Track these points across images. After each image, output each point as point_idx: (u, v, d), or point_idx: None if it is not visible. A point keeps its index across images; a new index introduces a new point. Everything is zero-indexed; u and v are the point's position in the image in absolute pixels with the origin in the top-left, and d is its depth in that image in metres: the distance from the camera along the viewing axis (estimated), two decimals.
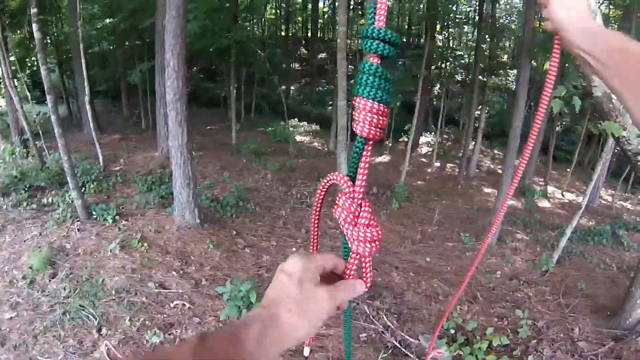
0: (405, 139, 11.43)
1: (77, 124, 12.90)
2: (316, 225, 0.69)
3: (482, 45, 12.98)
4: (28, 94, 10.88)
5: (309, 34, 24.70)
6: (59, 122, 5.60)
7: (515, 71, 16.38)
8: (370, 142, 0.59)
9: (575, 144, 13.02)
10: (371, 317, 4.32)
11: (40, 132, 8.47)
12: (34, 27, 5.72)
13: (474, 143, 12.83)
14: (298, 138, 14.94)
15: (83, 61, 8.51)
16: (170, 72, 5.54)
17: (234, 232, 6.09)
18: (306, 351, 0.78)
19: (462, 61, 18.03)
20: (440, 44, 18.62)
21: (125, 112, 15.62)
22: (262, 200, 7.82)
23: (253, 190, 8.29)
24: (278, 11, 23.55)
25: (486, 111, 13.75)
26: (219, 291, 4.19)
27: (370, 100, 0.56)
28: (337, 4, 8.00)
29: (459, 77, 18.86)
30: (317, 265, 0.56)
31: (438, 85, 18.11)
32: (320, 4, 21.67)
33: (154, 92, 10.20)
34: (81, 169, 7.67)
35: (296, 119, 17.21)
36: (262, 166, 9.92)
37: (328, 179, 0.62)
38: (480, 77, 12.71)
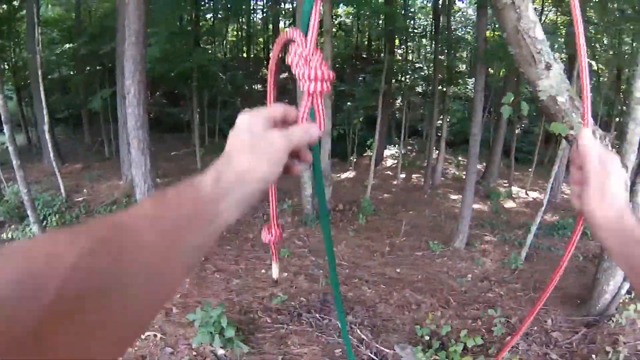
0: (369, 153, 11.59)
1: (36, 153, 12.48)
2: (272, 82, 0.70)
3: (440, 57, 13.43)
4: None
5: (270, 55, 24.79)
6: (16, 152, 5.43)
7: (473, 79, 17.02)
8: (320, 2, 0.60)
9: (534, 144, 13.55)
10: None
11: None
12: None
13: (437, 152, 13.16)
14: None
15: (42, 88, 8.27)
16: (131, 99, 5.50)
17: (203, 258, 6.01)
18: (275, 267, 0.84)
19: (422, 73, 18.56)
20: (400, 58, 19.13)
21: (88, 140, 15.21)
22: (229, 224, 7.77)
23: None
24: (239, 33, 23.68)
25: (448, 120, 14.15)
26: (189, 319, 4.11)
27: None
28: (296, 23, 8.19)
29: (419, 89, 19.36)
30: (266, 116, 0.56)
31: (399, 98, 18.56)
32: (281, 24, 21.91)
33: (117, 119, 10.02)
34: (42, 201, 7.41)
35: None
36: (232, 225, 9.84)
37: (281, 37, 0.63)
38: (440, 87, 13.10)
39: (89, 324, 0.33)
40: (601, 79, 13.71)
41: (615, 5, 8.88)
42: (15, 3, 12.97)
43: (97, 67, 14.40)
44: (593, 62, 12.55)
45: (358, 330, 4.36)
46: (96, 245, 0.35)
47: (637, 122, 2.63)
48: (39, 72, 8.45)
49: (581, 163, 0.68)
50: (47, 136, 8.61)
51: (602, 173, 0.65)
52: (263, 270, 5.84)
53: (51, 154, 8.56)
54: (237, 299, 4.93)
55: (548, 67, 1.96)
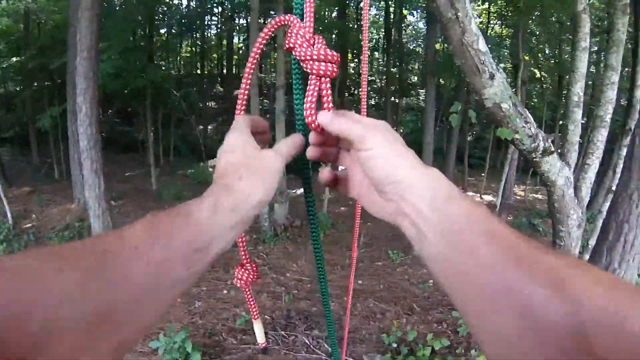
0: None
1: None
2: (248, 83, 0.64)
3: (392, 70, 13.87)
4: None
5: (225, 71, 24.72)
6: None
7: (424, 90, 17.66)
8: None
9: (486, 150, 14.17)
10: (312, 347, 4.32)
11: None
12: None
13: None
14: None
15: None
16: (83, 117, 5.31)
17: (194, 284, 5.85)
18: (257, 326, 0.76)
19: (375, 86, 19.05)
20: (353, 72, 19.60)
21: (36, 161, 14.36)
22: None
23: None
24: (193, 48, 23.45)
25: (401, 130, 14.55)
26: (152, 346, 3.96)
27: None
28: (250, 39, 8.23)
29: (372, 101, 19.84)
30: (249, 133, 0.56)
31: (353, 111, 18.92)
32: (235, 40, 21.89)
33: (67, 138, 9.56)
34: None
35: (216, 159, 16.89)
36: (226, 252, 9.64)
37: (276, 20, 0.60)
38: (392, 99, 13.50)
39: (72, 353, 0.33)
40: (544, 85, 14.60)
41: (554, 18, 9.53)
42: None
43: (47, 83, 13.64)
44: (536, 70, 13.38)
45: (325, 344, 4.36)
46: (84, 276, 0.35)
47: (576, 123, 2.83)
48: None
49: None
50: None
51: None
52: (225, 291, 5.74)
53: None
54: (201, 321, 4.80)
55: (492, 76, 2.10)
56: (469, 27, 1.93)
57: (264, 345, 0.78)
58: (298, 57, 0.56)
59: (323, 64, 0.56)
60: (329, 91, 0.57)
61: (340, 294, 5.81)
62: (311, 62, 0.56)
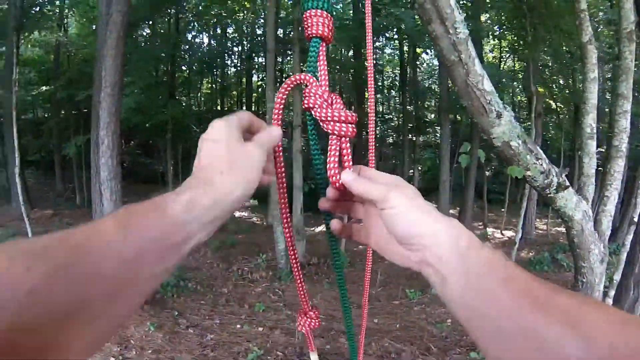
0: None
1: (5, 196, 11.86)
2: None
3: (408, 107, 13.97)
4: None
5: (244, 108, 25.27)
6: None
7: None
8: (324, 44, 0.61)
9: (505, 184, 13.93)
10: None
11: None
12: None
13: None
14: (237, 214, 14.81)
15: (14, 128, 8.00)
16: (105, 150, 5.49)
17: (176, 313, 5.84)
18: (313, 357, 0.75)
19: (392, 124, 19.13)
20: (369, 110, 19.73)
21: (59, 186, 14.74)
22: (203, 278, 7.67)
23: (194, 269, 8.14)
24: (214, 85, 24.17)
25: (419, 168, 14.47)
26: None
27: (320, 10, 0.60)
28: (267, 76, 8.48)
29: (390, 140, 19.87)
30: (238, 125, 0.54)
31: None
32: (255, 78, 22.52)
33: (90, 167, 9.78)
34: None
35: None
36: (202, 245, 9.72)
37: (292, 79, 0.61)
38: (409, 136, 13.52)
39: (42, 350, 0.33)
40: (561, 116, 14.45)
41: (566, 48, 9.56)
42: None
43: (73, 112, 14.25)
44: (551, 102, 13.33)
45: None
46: (53, 271, 0.34)
47: (590, 155, 2.75)
48: (14, 112, 8.24)
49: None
50: (18, 179, 8.24)
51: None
52: (238, 326, 5.68)
53: (20, 198, 8.17)
54: (212, 354, 4.74)
55: (499, 115, 2.11)
56: (472, 69, 1.95)
57: None
58: (318, 118, 0.58)
59: (344, 125, 0.58)
60: (349, 150, 0.60)
61: (355, 333, 5.67)
62: (332, 123, 0.58)
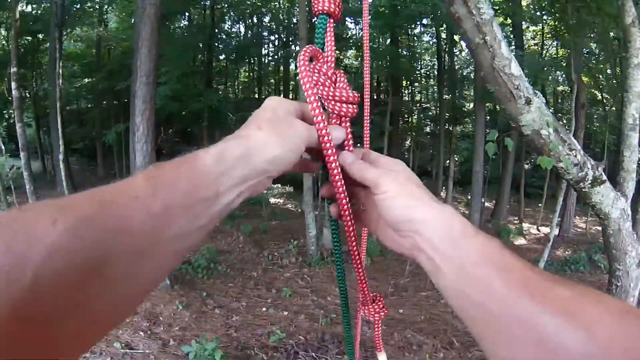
0: None
1: (50, 181, 12.69)
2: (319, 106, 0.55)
3: (445, 96, 13.60)
4: (2, 146, 10.55)
5: (282, 95, 25.32)
6: (31, 178, 5.60)
7: None
8: (332, 21, 0.59)
9: (544, 179, 13.38)
10: None
11: (12, 187, 8.23)
12: (13, 85, 5.88)
13: (446, 191, 13.08)
14: (272, 200, 14.96)
15: (59, 118, 8.49)
16: (140, 136, 5.67)
17: (205, 294, 6.03)
18: (381, 358, 0.73)
19: (429, 113, 18.73)
20: (407, 99, 19.38)
21: (101, 172, 15.51)
22: (234, 262, 7.83)
23: (225, 252, 8.34)
24: (251, 74, 24.42)
25: (456, 159, 14.14)
26: (184, 350, 4.08)
27: None
28: None
29: (427, 129, 19.48)
30: (295, 106, 0.53)
31: (408, 139, 18.67)
32: (292, 67, 22.56)
33: (129, 152, 10.19)
34: None
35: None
36: (235, 229, 9.97)
37: (307, 49, 0.57)
38: (446, 126, 13.19)
39: (66, 307, 0.32)
40: (607, 108, 13.65)
41: (612, 34, 8.91)
42: (40, 36, 13.71)
43: (114, 102, 14.95)
44: (597, 92, 12.57)
45: None
46: (79, 223, 0.33)
47: (632, 148, 2.54)
48: (58, 103, 8.74)
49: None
50: (62, 165, 8.76)
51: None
52: (264, 309, 5.79)
53: (64, 183, 8.71)
54: (236, 334, 4.87)
55: (528, 101, 1.98)
56: (499, 51, 1.83)
57: None
58: (320, 96, 0.56)
59: (344, 105, 0.56)
60: (349, 130, 0.57)
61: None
62: (332, 102, 0.56)
